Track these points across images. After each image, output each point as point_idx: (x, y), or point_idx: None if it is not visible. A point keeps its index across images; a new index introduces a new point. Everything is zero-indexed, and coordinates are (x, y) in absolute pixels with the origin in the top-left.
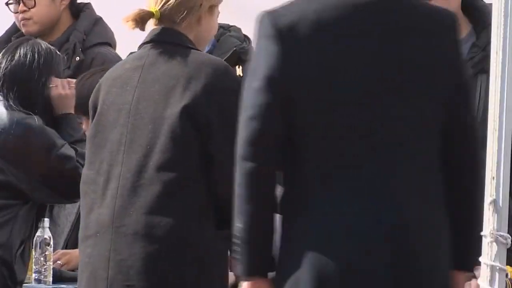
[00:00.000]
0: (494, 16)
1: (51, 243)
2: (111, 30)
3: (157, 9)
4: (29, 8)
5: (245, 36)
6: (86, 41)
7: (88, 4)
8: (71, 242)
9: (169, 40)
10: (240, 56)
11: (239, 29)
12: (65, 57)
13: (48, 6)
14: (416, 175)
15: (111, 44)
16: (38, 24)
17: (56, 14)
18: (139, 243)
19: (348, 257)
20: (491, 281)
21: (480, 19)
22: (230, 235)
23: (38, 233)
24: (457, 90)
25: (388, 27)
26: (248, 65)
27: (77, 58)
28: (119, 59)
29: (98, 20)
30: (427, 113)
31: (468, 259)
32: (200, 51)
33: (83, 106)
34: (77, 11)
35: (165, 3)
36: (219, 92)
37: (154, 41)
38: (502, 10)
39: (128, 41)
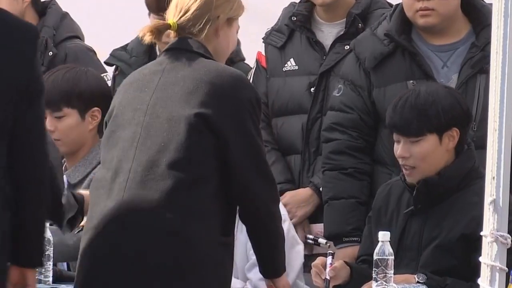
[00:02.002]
0: (494, 16)
1: (51, 243)
2: (77, 24)
3: (175, 21)
4: None
5: None
6: (56, 35)
7: (53, 0)
8: None
9: (187, 47)
10: (230, 57)
11: None
12: (38, 53)
13: (10, 4)
14: None
15: (79, 37)
16: None
17: (20, 11)
18: (139, 235)
19: None
20: (491, 281)
21: (479, 19)
22: (231, 243)
23: None
24: (22, 96)
25: None
26: (238, 65)
27: (50, 53)
28: (91, 49)
29: (65, 15)
30: None
31: (31, 258)
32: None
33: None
34: (42, 8)
35: (182, 15)
36: (239, 102)
37: (173, 48)
38: (502, 10)
39: (97, 35)
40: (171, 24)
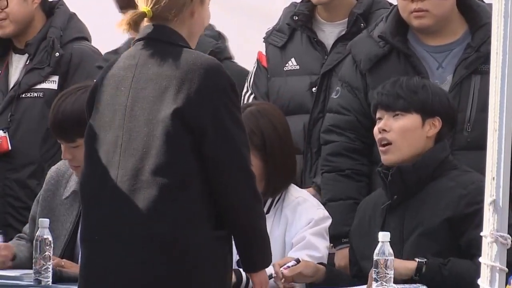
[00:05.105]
0: (494, 16)
1: (51, 243)
2: (85, 25)
3: (149, 9)
4: (2, 9)
5: (219, 33)
6: (63, 36)
7: (61, 1)
8: (69, 249)
9: (160, 37)
10: (216, 56)
11: (213, 27)
12: (45, 54)
13: (21, 5)
14: None
15: (87, 38)
16: (14, 24)
17: (30, 12)
18: (135, 247)
19: None
20: (491, 282)
21: (475, 19)
22: (226, 235)
23: (38, 233)
24: None
25: None
26: (225, 63)
27: (57, 54)
28: (97, 51)
29: (73, 16)
30: None
31: None
32: (191, 48)
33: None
34: (50, 9)
35: (156, 2)
36: (212, 94)
37: (145, 38)
38: (502, 10)
39: (105, 36)
40: (146, 12)
